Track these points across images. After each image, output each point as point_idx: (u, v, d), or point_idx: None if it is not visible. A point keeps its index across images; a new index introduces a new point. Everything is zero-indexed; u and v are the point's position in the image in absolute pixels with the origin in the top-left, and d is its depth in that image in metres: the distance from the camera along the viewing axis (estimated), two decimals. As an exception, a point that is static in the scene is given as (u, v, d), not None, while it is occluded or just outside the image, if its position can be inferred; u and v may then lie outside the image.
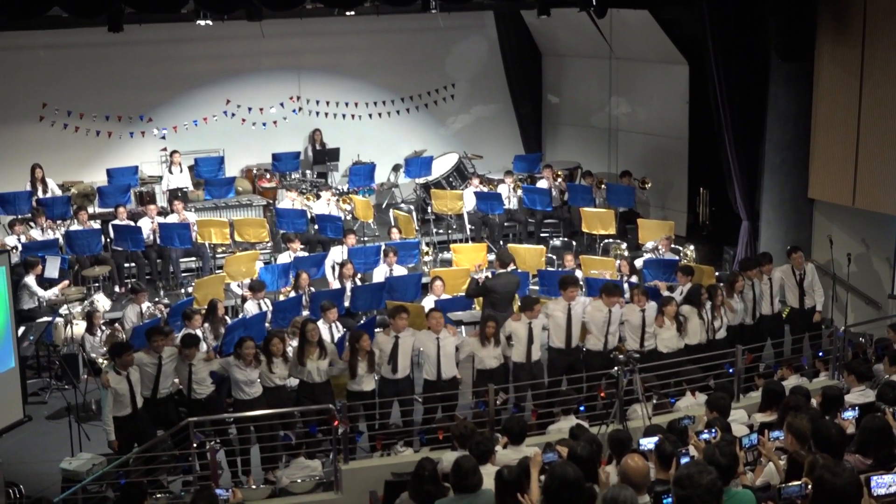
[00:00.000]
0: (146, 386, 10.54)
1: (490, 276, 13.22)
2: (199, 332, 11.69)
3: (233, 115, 19.32)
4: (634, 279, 14.02)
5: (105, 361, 12.77)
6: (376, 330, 11.70)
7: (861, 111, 14.03)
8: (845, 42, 14.11)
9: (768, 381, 10.11)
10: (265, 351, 10.67)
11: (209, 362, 10.76)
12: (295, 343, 11.23)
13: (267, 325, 12.79)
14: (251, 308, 13.19)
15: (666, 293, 12.74)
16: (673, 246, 15.28)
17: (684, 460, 6.76)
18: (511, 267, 13.34)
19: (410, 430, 10.88)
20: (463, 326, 12.86)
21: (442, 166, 18.94)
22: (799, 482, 6.17)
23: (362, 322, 13.18)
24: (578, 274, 13.96)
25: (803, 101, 14.91)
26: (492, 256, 14.93)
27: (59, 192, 17.04)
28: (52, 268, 14.28)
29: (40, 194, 16.67)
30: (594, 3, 15.15)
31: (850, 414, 8.33)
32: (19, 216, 15.92)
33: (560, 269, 14.58)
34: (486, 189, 17.68)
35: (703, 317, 12.07)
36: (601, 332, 11.75)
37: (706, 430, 7.92)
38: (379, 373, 11.11)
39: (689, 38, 16.89)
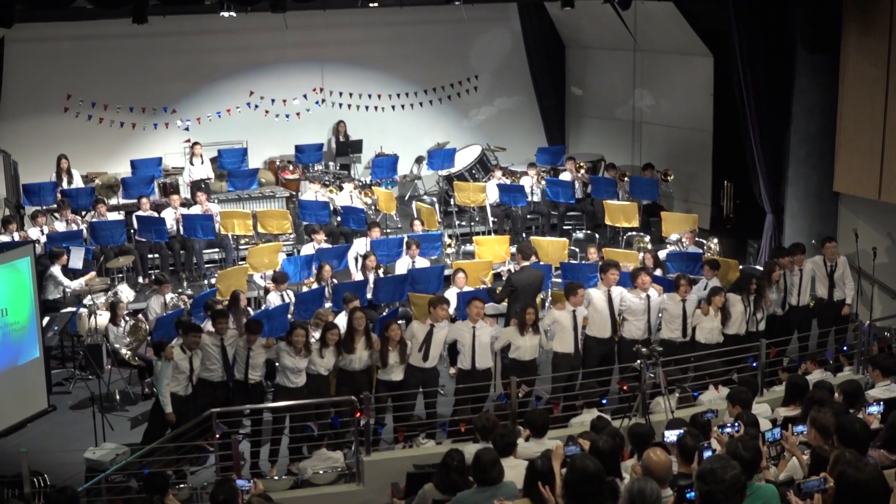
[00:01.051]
0: (204, 367, 10.80)
1: (513, 269, 13.18)
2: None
3: (256, 106, 19.35)
4: (658, 272, 13.95)
5: (129, 352, 12.86)
6: (399, 322, 11.70)
7: (888, 103, 13.88)
8: (872, 34, 13.98)
9: (792, 375, 10.06)
10: (322, 340, 10.81)
11: (268, 349, 10.92)
12: (318, 335, 11.26)
13: (289, 316, 12.81)
14: (274, 299, 13.23)
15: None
16: (697, 239, 15.20)
17: (707, 454, 6.74)
18: (533, 260, 13.30)
19: (433, 423, 10.88)
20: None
21: (465, 158, 18.91)
22: (818, 477, 6.13)
23: (384, 314, 13.19)
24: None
25: (829, 94, 14.79)
26: (514, 249, 14.89)
27: (82, 184, 17.12)
28: (77, 258, 14.37)
29: (65, 185, 16.75)
30: (618, -5, 15.11)
31: (874, 409, 8.28)
32: (43, 207, 16.02)
33: (583, 262, 14.53)
34: (508, 181, 17.62)
35: (746, 306, 11.94)
36: (639, 319, 11.71)
37: (728, 424, 7.88)
38: (408, 361, 11.12)
39: (714, 30, 16.77)
